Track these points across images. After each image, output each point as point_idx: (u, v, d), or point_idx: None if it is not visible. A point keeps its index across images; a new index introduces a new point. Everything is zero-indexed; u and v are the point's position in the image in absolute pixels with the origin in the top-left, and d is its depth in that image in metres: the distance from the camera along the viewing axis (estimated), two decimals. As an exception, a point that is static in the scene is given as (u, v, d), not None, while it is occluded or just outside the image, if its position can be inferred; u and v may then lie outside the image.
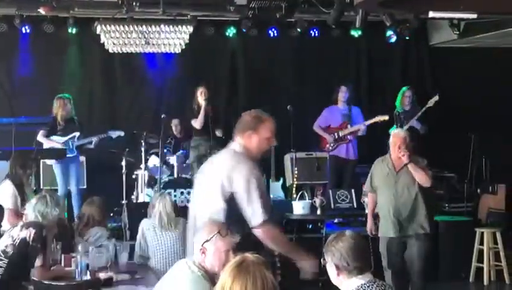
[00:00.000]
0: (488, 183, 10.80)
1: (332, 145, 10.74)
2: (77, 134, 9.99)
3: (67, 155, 9.86)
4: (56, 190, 9.63)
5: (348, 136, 10.70)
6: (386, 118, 10.50)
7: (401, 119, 10.66)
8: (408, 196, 7.44)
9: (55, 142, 9.88)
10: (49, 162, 9.96)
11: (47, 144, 9.89)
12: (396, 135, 7.59)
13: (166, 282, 4.47)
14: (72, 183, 9.95)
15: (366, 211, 8.55)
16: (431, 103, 10.48)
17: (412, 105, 10.77)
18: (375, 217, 7.77)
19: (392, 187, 7.49)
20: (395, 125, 10.57)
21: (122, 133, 10.32)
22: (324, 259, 4.01)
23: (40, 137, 9.88)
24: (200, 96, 10.22)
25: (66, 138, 9.92)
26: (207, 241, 4.31)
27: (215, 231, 4.34)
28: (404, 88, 10.86)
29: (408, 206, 7.43)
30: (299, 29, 11.51)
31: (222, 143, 10.11)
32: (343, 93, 10.79)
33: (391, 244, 7.50)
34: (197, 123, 10.15)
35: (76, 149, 10.02)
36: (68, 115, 9.96)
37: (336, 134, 10.72)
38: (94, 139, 10.07)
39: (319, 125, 10.89)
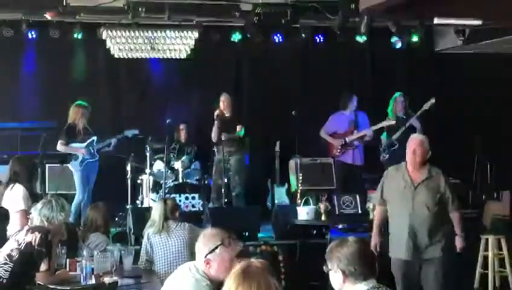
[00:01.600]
0: (493, 190, 10.79)
1: (339, 150, 10.74)
2: (95, 138, 9.91)
3: (89, 160, 9.80)
4: (61, 195, 9.60)
5: (355, 142, 10.71)
6: (393, 122, 10.49)
7: (393, 125, 10.62)
8: (427, 215, 6.52)
9: (77, 148, 9.78)
10: (72, 167, 9.81)
11: (68, 151, 9.77)
12: (413, 138, 6.80)
13: (170, 288, 4.44)
14: (90, 187, 9.87)
15: (371, 217, 8.56)
16: (426, 106, 10.44)
17: (405, 111, 10.72)
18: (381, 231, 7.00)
19: (408, 203, 6.55)
20: (385, 132, 10.59)
21: (137, 132, 10.26)
22: (327, 266, 3.96)
23: (60, 146, 9.73)
24: (222, 104, 10.29)
25: (86, 143, 9.85)
26: (210, 252, 4.26)
27: (218, 241, 4.27)
28: (396, 94, 10.81)
29: (426, 227, 6.52)
30: (304, 35, 11.53)
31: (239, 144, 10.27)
32: (354, 104, 10.88)
33: (404, 267, 6.60)
34: (212, 134, 10.27)
35: (97, 153, 9.96)
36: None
37: (343, 140, 10.73)
38: (112, 141, 10.03)
39: (326, 132, 10.90)
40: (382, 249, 6.74)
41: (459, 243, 6.66)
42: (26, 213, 6.83)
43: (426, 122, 10.76)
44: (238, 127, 10.36)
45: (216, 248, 4.25)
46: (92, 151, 9.86)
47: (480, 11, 7.31)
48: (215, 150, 10.52)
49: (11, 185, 7.28)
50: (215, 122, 10.25)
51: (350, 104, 10.87)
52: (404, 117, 10.56)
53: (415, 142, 6.65)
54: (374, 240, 6.85)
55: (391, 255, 6.75)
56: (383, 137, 10.65)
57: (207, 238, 4.33)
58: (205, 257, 4.26)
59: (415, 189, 6.55)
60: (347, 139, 10.71)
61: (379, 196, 6.89)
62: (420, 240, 6.53)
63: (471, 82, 12.26)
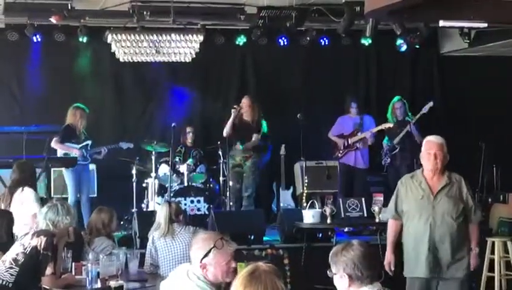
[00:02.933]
0: (499, 192, 10.76)
1: (341, 151, 10.76)
2: (90, 142, 10.04)
3: (81, 163, 9.90)
4: (66, 199, 9.66)
5: (357, 144, 10.70)
6: (391, 125, 10.50)
7: (394, 130, 10.61)
8: (449, 227, 5.92)
9: (72, 148, 9.91)
10: (63, 169, 9.96)
11: (63, 149, 9.92)
12: (431, 141, 6.06)
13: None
14: (82, 191, 9.98)
15: (377, 220, 8.54)
16: (425, 109, 10.44)
17: (404, 114, 10.70)
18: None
19: (427, 214, 5.94)
20: (386, 137, 10.59)
21: (131, 145, 10.42)
22: (331, 271, 3.95)
23: (54, 144, 9.90)
24: (243, 106, 10.34)
25: (81, 145, 9.96)
26: (205, 257, 4.25)
27: (210, 244, 4.26)
28: (394, 99, 10.82)
29: (449, 241, 5.93)
30: (309, 38, 11.54)
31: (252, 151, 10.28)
32: (354, 109, 10.94)
33: (424, 287, 6.01)
34: (224, 130, 10.27)
35: (90, 157, 10.07)
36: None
37: (345, 141, 10.74)
38: (103, 150, 10.14)
39: (332, 133, 10.95)
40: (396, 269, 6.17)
41: (474, 260, 6.07)
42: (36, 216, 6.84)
43: (431, 124, 10.76)
44: (254, 136, 10.35)
45: (209, 251, 4.25)
46: (85, 154, 9.99)
47: (486, 13, 7.30)
48: (220, 153, 10.50)
49: (21, 188, 7.30)
50: (232, 115, 10.25)
51: (351, 108, 10.96)
52: (404, 121, 10.57)
53: (434, 146, 5.98)
54: (388, 258, 6.17)
55: (407, 274, 6.13)
56: (385, 142, 10.68)
57: (200, 243, 4.33)
58: (201, 261, 4.26)
59: (435, 198, 5.95)
60: (349, 140, 10.72)
61: (393, 209, 6.20)
62: (442, 255, 5.92)
63: (476, 84, 12.25)
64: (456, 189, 6.01)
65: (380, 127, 10.59)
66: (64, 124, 10.06)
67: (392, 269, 6.10)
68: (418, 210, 5.99)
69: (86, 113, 10.08)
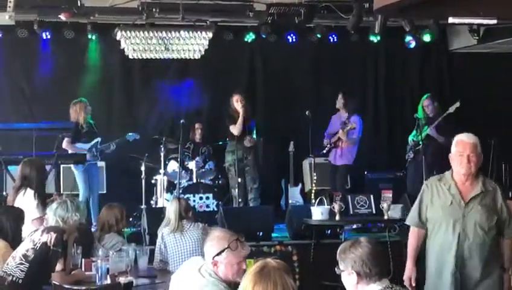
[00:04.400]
0: (508, 190, 10.73)
1: (325, 149, 10.71)
2: (99, 139, 10.08)
3: (91, 162, 9.98)
4: (77, 195, 9.70)
5: (339, 143, 10.63)
6: (354, 126, 10.39)
7: (420, 126, 10.56)
8: (481, 240, 5.16)
9: (82, 149, 9.97)
10: (73, 168, 9.99)
11: (73, 151, 9.97)
12: (463, 141, 5.30)
13: (182, 288, 4.43)
14: (92, 189, 10.02)
15: (385, 217, 8.53)
16: (452, 109, 10.35)
17: (436, 112, 10.62)
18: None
19: (456, 224, 5.18)
20: (414, 131, 10.50)
21: (137, 136, 10.44)
22: (339, 268, 3.95)
23: (65, 144, 9.95)
24: (237, 104, 10.30)
25: (90, 145, 10.00)
26: (217, 255, 4.26)
27: (225, 244, 4.26)
28: (423, 97, 10.71)
29: (479, 255, 5.16)
30: (318, 35, 11.54)
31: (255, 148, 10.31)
32: (338, 102, 10.76)
33: None
34: (235, 130, 10.26)
35: (100, 155, 10.10)
36: (88, 117, 10.05)
37: (329, 140, 10.72)
38: (112, 145, 10.17)
39: (326, 134, 10.85)
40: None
41: (507, 282, 5.26)
42: (41, 219, 6.84)
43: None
44: (246, 142, 10.37)
45: (223, 251, 4.26)
46: (95, 153, 10.02)
47: (495, 10, 7.29)
48: (227, 149, 10.52)
49: (23, 191, 7.26)
50: (241, 113, 10.25)
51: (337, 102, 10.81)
52: (434, 118, 10.49)
53: (467, 147, 5.23)
54: (409, 272, 5.39)
55: None
56: (411, 137, 10.56)
57: (215, 240, 4.33)
58: (213, 258, 4.27)
59: (466, 205, 5.19)
60: (331, 139, 10.69)
61: (416, 216, 5.40)
62: (469, 272, 5.17)
63: (485, 81, 12.23)
64: (490, 198, 5.24)
65: (348, 128, 10.45)
66: (72, 123, 10.08)
67: (413, 284, 5.34)
68: (445, 218, 5.22)
69: (85, 104, 10.07)
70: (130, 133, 10.49)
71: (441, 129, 10.31)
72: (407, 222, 5.56)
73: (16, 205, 7.12)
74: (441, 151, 9.25)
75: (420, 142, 10.18)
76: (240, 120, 10.21)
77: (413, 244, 5.41)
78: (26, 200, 7.15)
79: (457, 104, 10.27)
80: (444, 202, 5.25)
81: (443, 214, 5.23)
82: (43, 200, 7.24)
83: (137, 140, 10.51)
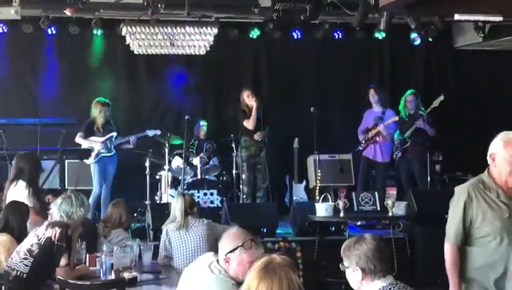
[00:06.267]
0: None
1: (362, 145, 10.71)
2: (115, 134, 10.03)
3: (105, 154, 9.91)
4: (80, 190, 9.66)
5: (376, 137, 10.62)
6: (396, 118, 10.43)
7: (405, 123, 10.56)
8: None
9: (94, 141, 9.91)
10: (87, 161, 9.95)
11: (86, 144, 9.94)
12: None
13: (191, 282, 4.43)
14: (106, 182, 9.97)
15: (390, 214, 8.51)
16: (436, 103, 10.37)
17: (417, 108, 10.62)
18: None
19: (505, 235, 4.40)
20: (398, 131, 10.54)
21: (158, 132, 10.37)
22: (343, 264, 3.95)
23: (78, 139, 9.93)
24: (248, 99, 10.32)
25: (104, 138, 9.96)
26: (230, 252, 4.26)
27: (239, 243, 4.26)
28: (407, 92, 10.74)
29: None
30: (323, 31, 11.52)
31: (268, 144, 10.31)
32: (371, 97, 10.77)
33: None
34: (249, 124, 10.30)
35: (115, 148, 10.05)
36: (106, 120, 10.06)
37: (366, 135, 10.70)
38: (132, 138, 10.11)
39: (359, 129, 10.83)
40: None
41: None
42: (33, 210, 6.86)
43: (444, 118, 10.75)
44: (256, 135, 10.39)
45: (236, 248, 4.25)
46: (109, 146, 9.96)
47: (501, 7, 7.28)
48: (233, 145, 10.52)
49: (15, 183, 7.29)
50: (254, 107, 10.27)
51: (369, 98, 10.81)
52: (416, 115, 10.51)
53: None
54: None
55: None
56: (395, 135, 10.61)
57: (230, 237, 4.33)
58: (225, 255, 4.27)
59: None
60: (369, 134, 10.67)
61: (460, 232, 4.51)
62: None
63: (490, 79, 12.20)
64: None
65: (388, 121, 10.52)
66: (87, 118, 10.07)
67: None
68: (500, 232, 4.41)
69: (106, 105, 10.03)
70: (150, 130, 10.40)
71: (429, 122, 10.43)
72: (450, 243, 4.55)
73: (9, 196, 7.15)
74: (430, 144, 9.34)
75: (407, 140, 10.28)
76: (254, 114, 10.23)
77: (457, 264, 4.52)
78: (17, 191, 7.18)
79: (442, 98, 10.29)
80: (499, 213, 4.43)
81: (498, 227, 4.41)
82: (36, 190, 7.26)
83: (144, 138, 10.47)
